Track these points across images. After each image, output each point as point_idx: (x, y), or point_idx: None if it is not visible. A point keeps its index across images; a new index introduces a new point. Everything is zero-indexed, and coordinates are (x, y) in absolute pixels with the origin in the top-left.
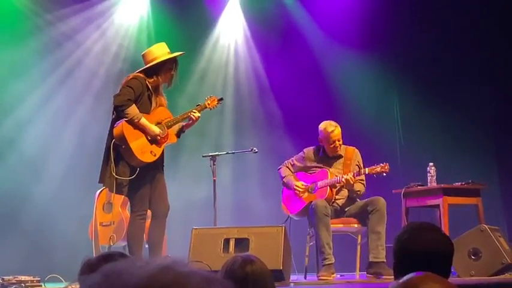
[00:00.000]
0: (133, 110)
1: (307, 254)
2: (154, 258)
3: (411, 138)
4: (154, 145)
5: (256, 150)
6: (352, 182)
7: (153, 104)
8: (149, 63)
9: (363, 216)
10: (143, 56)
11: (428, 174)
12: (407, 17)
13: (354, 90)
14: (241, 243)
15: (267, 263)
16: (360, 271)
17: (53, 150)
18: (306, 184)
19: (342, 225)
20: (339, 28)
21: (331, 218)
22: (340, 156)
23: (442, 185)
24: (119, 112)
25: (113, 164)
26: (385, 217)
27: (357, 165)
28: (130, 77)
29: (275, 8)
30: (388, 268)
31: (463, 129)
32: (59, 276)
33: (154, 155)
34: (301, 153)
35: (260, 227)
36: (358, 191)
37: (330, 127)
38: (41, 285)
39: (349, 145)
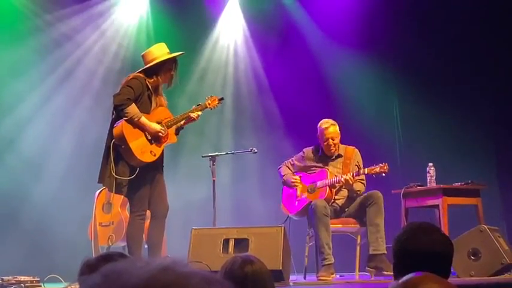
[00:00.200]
0: (133, 109)
1: (306, 254)
2: (154, 259)
3: (411, 138)
4: (154, 145)
5: (256, 151)
6: (351, 182)
7: (153, 104)
8: (149, 63)
9: (361, 212)
10: (143, 56)
11: (428, 175)
12: (406, 17)
13: (354, 90)
14: (241, 244)
15: (266, 263)
16: (359, 271)
17: (53, 150)
18: (305, 184)
19: (341, 225)
20: (338, 28)
21: (330, 218)
22: (340, 156)
23: (442, 185)
24: (118, 111)
25: (112, 164)
26: (383, 210)
27: (356, 165)
28: (131, 77)
29: (274, 8)
30: (389, 262)
31: (462, 129)
32: (58, 277)
33: (154, 155)
34: (300, 153)
35: (259, 227)
36: (358, 190)
37: (325, 124)
38: (40, 286)
39: (349, 145)
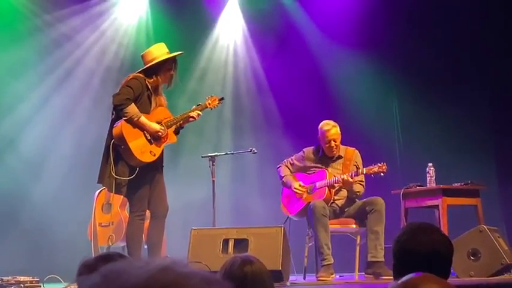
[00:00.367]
0: (132, 108)
1: (306, 254)
2: (154, 259)
3: (410, 138)
4: (153, 145)
5: (256, 151)
6: (351, 181)
7: (153, 104)
8: (148, 63)
9: (361, 216)
10: (142, 56)
11: (428, 175)
12: (406, 17)
13: (353, 90)
14: (241, 244)
15: (266, 263)
16: (358, 271)
17: (52, 150)
18: (305, 185)
19: (340, 225)
20: (338, 28)
21: (330, 219)
22: (340, 157)
23: (441, 186)
24: (118, 111)
25: (112, 164)
26: (384, 217)
27: (354, 165)
28: (130, 77)
29: (274, 8)
30: (387, 268)
31: (462, 129)
32: (58, 277)
33: (154, 155)
34: (300, 153)
35: (259, 228)
36: (358, 191)
37: (327, 126)
38: (40, 286)
39: (349, 145)
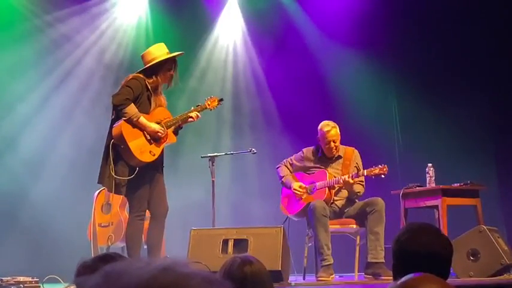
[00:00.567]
0: (131, 109)
1: (306, 254)
2: (155, 259)
3: (410, 139)
4: (153, 145)
5: (255, 151)
6: (351, 182)
7: (153, 105)
8: (148, 63)
9: (361, 217)
10: (142, 56)
11: (427, 175)
12: (405, 17)
13: (353, 90)
14: (240, 244)
15: (265, 263)
16: (358, 272)
17: (52, 150)
18: (305, 186)
19: (340, 226)
20: (337, 28)
21: (330, 219)
22: (340, 157)
23: (441, 186)
24: (117, 111)
25: (112, 164)
26: (384, 218)
27: (355, 166)
28: (130, 77)
29: (273, 8)
30: (387, 269)
31: (461, 130)
32: (57, 277)
33: (154, 155)
34: (300, 153)
35: (259, 228)
36: (358, 192)
37: (327, 127)
38: (39, 286)
39: (348, 146)
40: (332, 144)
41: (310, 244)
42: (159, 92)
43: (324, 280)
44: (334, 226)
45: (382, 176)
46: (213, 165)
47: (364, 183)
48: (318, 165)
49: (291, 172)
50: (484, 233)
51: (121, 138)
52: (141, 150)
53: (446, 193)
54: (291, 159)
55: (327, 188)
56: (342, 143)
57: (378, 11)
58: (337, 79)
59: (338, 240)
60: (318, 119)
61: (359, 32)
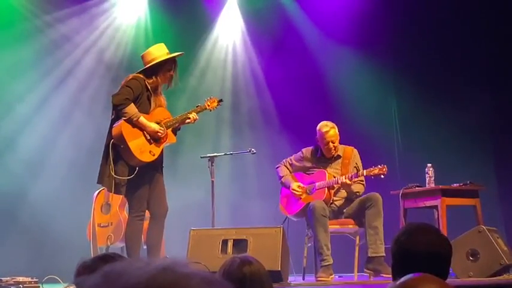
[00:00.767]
0: (131, 108)
1: (305, 255)
2: (154, 259)
3: (409, 139)
4: (153, 145)
5: (255, 151)
6: (349, 183)
7: (152, 105)
8: (148, 64)
9: (360, 214)
10: (142, 57)
11: (427, 175)
12: (405, 17)
13: (352, 90)
14: (240, 244)
15: (265, 264)
16: (358, 272)
17: (51, 150)
18: (303, 186)
19: (339, 226)
20: (337, 28)
21: (329, 219)
22: (339, 157)
23: (440, 186)
24: (117, 111)
25: (111, 164)
26: (382, 212)
27: (355, 167)
28: (130, 77)
29: (273, 9)
30: (387, 265)
31: (461, 130)
32: (57, 278)
33: (153, 155)
34: (299, 153)
35: (258, 228)
36: (357, 192)
37: (325, 127)
38: (38, 287)
39: (347, 145)
40: (331, 144)
41: (309, 244)
42: (159, 92)
43: (323, 280)
44: (333, 226)
45: (382, 176)
46: (212, 165)
47: (364, 182)
48: (317, 166)
49: (290, 172)
50: (484, 233)
51: (121, 138)
52: (141, 150)
53: (446, 193)
54: (290, 160)
55: (326, 188)
56: (341, 142)
57: (377, 10)
58: (337, 79)
59: (337, 240)
60: (317, 118)
61: (358, 32)
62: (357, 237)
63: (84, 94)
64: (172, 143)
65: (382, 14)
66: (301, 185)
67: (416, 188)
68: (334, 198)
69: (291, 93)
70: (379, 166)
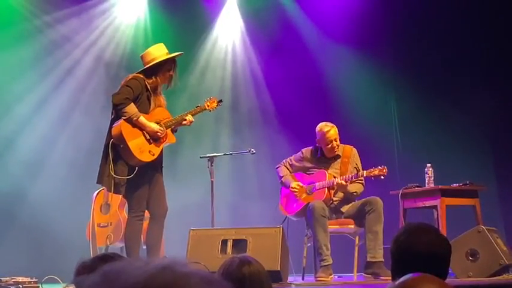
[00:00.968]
0: (131, 108)
1: (305, 255)
2: (154, 259)
3: (409, 139)
4: (152, 145)
5: (254, 152)
6: (344, 184)
7: (152, 105)
8: (148, 64)
9: (360, 216)
10: (142, 57)
11: (426, 175)
12: (405, 17)
13: (351, 91)
14: (239, 244)
15: (264, 264)
16: (357, 272)
17: (51, 151)
18: (303, 185)
19: (339, 226)
20: (336, 28)
21: (329, 219)
22: (338, 156)
23: (440, 186)
24: (117, 111)
25: (111, 164)
26: (382, 217)
27: (354, 167)
28: (130, 77)
29: (272, 8)
30: (386, 269)
31: (461, 130)
32: (56, 278)
33: (153, 155)
34: (299, 153)
35: (258, 228)
36: (355, 192)
37: (326, 127)
38: (38, 287)
39: (347, 145)
40: (334, 143)
41: (309, 244)
42: (159, 92)
43: (323, 280)
44: (333, 226)
45: (382, 177)
46: (212, 165)
47: (363, 182)
48: (317, 166)
49: (290, 172)
50: (483, 233)
51: (120, 138)
52: (141, 149)
53: (445, 193)
54: (290, 160)
55: (326, 189)
56: (340, 142)
57: (377, 10)
58: (336, 79)
59: (337, 240)
60: (317, 118)
61: (358, 32)
62: (357, 238)
63: (84, 94)
64: (172, 143)
65: (381, 13)
66: (300, 183)
67: (416, 188)
68: (334, 199)
69: (290, 93)
70: (379, 167)
